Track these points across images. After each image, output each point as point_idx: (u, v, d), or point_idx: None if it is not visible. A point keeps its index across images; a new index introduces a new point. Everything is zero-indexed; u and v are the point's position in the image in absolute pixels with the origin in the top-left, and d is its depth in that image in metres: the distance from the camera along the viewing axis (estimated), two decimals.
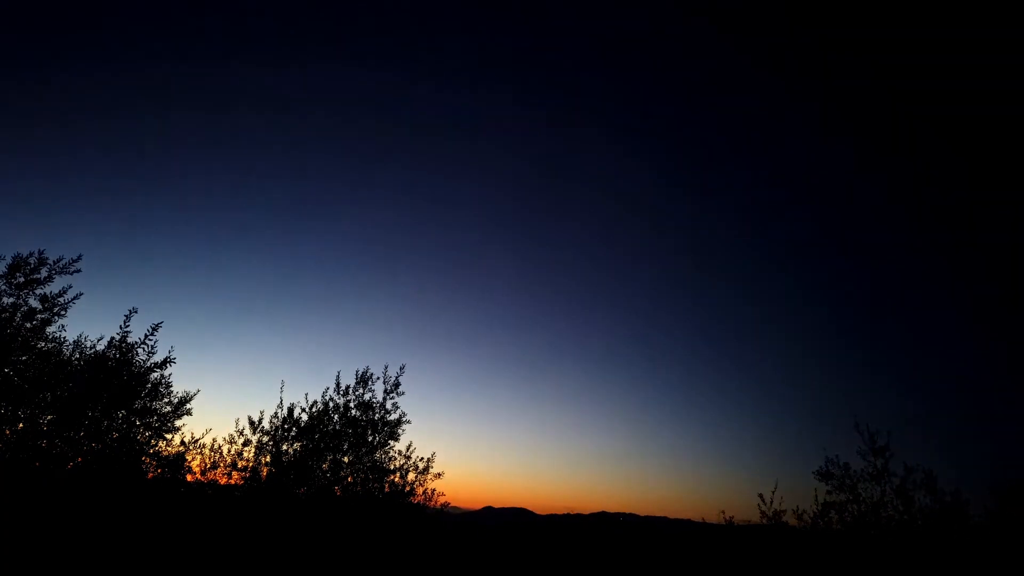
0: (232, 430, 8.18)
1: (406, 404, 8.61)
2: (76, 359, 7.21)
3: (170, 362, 7.63)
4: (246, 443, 8.05)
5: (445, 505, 8.50)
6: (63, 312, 6.94)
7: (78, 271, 6.93)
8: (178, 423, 7.81)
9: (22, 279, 6.62)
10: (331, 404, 8.19)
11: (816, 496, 7.78)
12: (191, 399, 7.98)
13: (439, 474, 8.40)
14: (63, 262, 6.86)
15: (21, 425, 6.71)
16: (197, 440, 8.13)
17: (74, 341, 7.35)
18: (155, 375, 7.55)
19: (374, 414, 8.27)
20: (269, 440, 7.98)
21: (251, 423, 8.10)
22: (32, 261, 6.71)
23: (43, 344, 6.95)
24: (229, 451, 8.11)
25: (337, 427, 8.02)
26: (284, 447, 7.93)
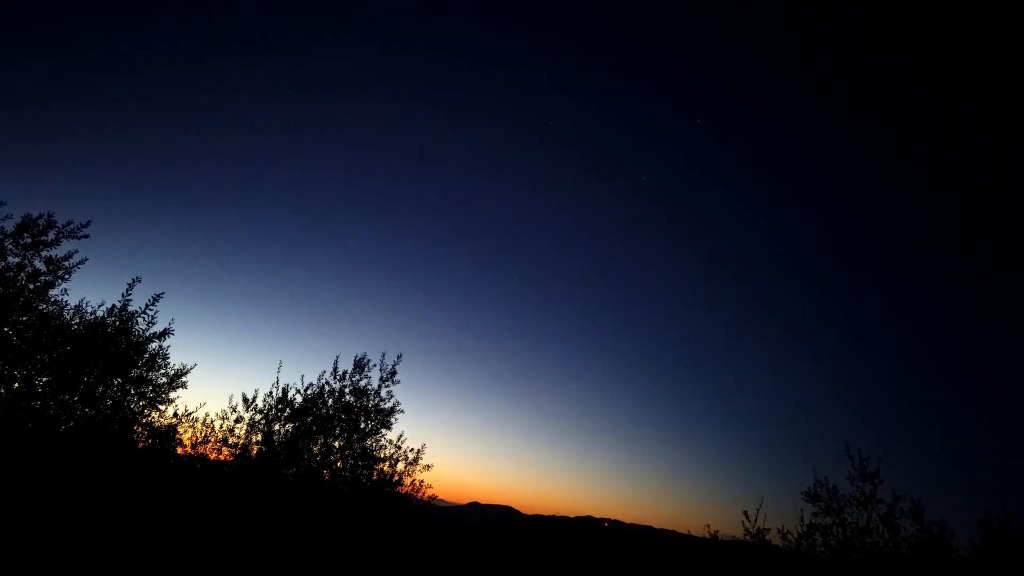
0: (226, 406, 8.20)
1: (400, 394, 8.61)
2: (76, 323, 7.23)
3: (169, 333, 7.65)
4: (238, 420, 8.06)
5: (432, 498, 8.50)
6: (67, 276, 6.96)
7: (86, 236, 6.95)
8: (172, 395, 7.84)
9: (29, 240, 6.65)
10: (326, 388, 8.20)
11: (802, 517, 7.77)
12: (187, 372, 8.01)
13: (428, 466, 8.40)
14: (72, 226, 6.88)
15: (17, 385, 6.74)
16: (190, 413, 8.16)
17: (75, 306, 7.37)
18: (153, 345, 7.58)
19: (368, 401, 8.27)
20: (261, 419, 8.00)
21: (245, 400, 8.12)
22: (41, 223, 6.73)
23: (44, 306, 6.98)
24: (221, 427, 8.13)
25: (330, 411, 8.03)
26: (276, 427, 7.94)
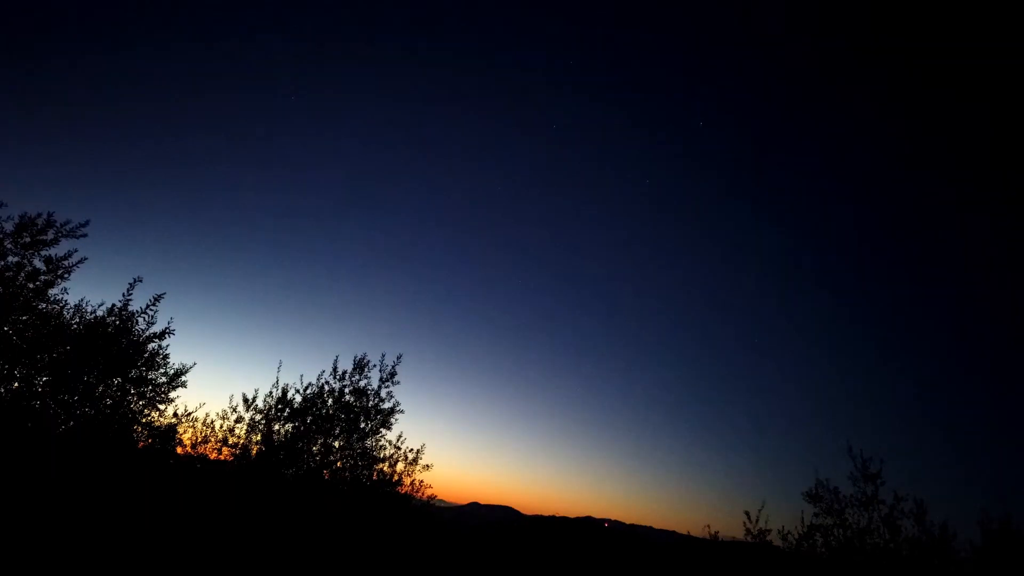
0: (225, 406, 8.19)
1: (400, 394, 8.60)
2: (75, 323, 7.23)
3: (169, 333, 7.64)
4: (238, 420, 8.06)
5: (432, 498, 8.50)
6: (66, 275, 6.97)
7: (84, 236, 6.96)
8: (172, 395, 7.83)
9: (28, 239, 6.64)
10: (326, 388, 8.20)
11: (803, 518, 7.76)
12: (187, 372, 8.00)
13: (428, 466, 8.41)
14: (70, 225, 6.88)
15: (16, 384, 6.73)
16: (190, 413, 8.15)
17: (75, 305, 7.36)
18: (153, 345, 7.57)
19: (368, 401, 8.27)
20: (261, 419, 8.00)
21: (245, 400, 8.12)
22: (40, 222, 6.73)
23: (44, 305, 6.97)
24: (221, 427, 8.12)
25: (330, 411, 8.03)
26: (276, 427, 7.94)
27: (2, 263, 6.53)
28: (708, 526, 8.60)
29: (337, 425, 7.98)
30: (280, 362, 8.31)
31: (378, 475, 8.13)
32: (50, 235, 6.77)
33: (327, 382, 8.26)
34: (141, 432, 7.56)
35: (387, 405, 8.35)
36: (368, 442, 8.12)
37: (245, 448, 7.86)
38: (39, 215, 6.75)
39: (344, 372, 8.35)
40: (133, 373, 7.35)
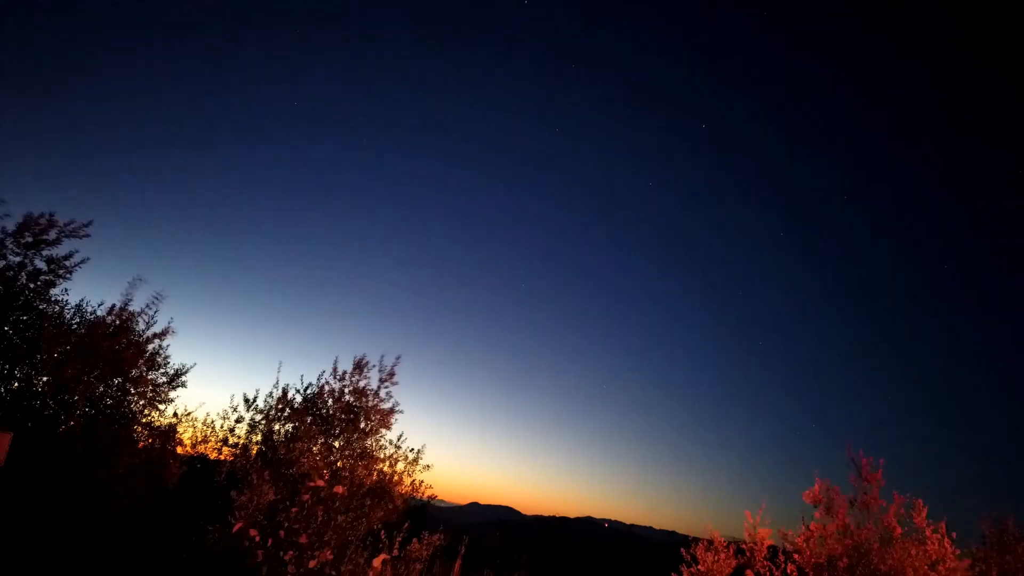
0: (226, 406, 8.19)
1: (400, 394, 8.59)
2: (76, 322, 7.23)
3: (169, 333, 7.65)
4: (239, 420, 8.06)
5: (432, 498, 8.49)
6: (68, 275, 6.98)
7: (87, 236, 6.97)
8: (172, 394, 7.84)
9: (30, 239, 6.65)
10: (326, 388, 8.19)
11: (803, 518, 7.79)
12: (187, 372, 8.01)
13: (428, 466, 8.40)
14: (73, 225, 6.89)
15: (16, 384, 6.74)
16: (190, 413, 8.16)
17: (76, 305, 7.37)
18: (153, 345, 7.57)
19: (367, 401, 8.26)
20: (262, 419, 7.99)
21: (245, 400, 8.11)
22: (42, 222, 6.74)
23: (45, 305, 6.98)
24: (221, 426, 8.13)
25: (330, 411, 8.03)
26: (276, 427, 7.93)
27: (3, 263, 6.54)
28: (708, 526, 8.63)
29: (337, 425, 7.98)
30: (280, 362, 8.30)
31: (378, 475, 8.12)
32: (52, 235, 6.78)
33: (327, 382, 8.25)
34: (141, 432, 7.57)
35: (387, 405, 8.34)
36: (368, 442, 8.11)
37: (245, 448, 7.85)
38: (41, 215, 6.77)
39: (344, 372, 8.33)
40: (133, 373, 7.36)
